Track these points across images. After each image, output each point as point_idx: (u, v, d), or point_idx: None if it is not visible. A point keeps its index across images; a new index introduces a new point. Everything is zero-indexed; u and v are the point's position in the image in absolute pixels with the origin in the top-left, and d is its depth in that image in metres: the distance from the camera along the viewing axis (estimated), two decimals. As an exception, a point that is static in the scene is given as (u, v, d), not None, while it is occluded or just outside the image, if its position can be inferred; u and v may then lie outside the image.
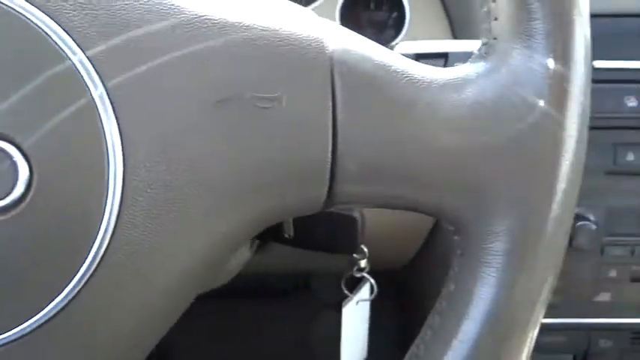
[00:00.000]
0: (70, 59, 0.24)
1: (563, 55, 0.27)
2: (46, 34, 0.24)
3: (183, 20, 0.26)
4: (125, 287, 0.25)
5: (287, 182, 0.27)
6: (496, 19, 0.28)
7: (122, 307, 0.26)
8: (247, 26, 0.27)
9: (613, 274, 0.61)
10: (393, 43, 0.68)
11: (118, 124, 0.24)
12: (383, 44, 0.71)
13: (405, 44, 0.43)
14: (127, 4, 0.25)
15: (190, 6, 0.26)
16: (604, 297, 0.62)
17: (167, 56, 0.25)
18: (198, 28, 0.26)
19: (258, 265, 0.55)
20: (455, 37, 0.68)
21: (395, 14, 0.69)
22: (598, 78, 0.57)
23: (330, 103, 0.26)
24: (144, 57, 0.25)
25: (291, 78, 0.26)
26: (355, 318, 0.59)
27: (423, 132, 0.27)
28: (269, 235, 0.50)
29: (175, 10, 0.26)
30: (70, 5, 0.24)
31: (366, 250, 0.52)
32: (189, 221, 0.26)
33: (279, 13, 0.28)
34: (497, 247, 0.27)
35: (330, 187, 0.27)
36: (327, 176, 0.27)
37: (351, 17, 0.69)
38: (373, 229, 0.48)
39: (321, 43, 0.27)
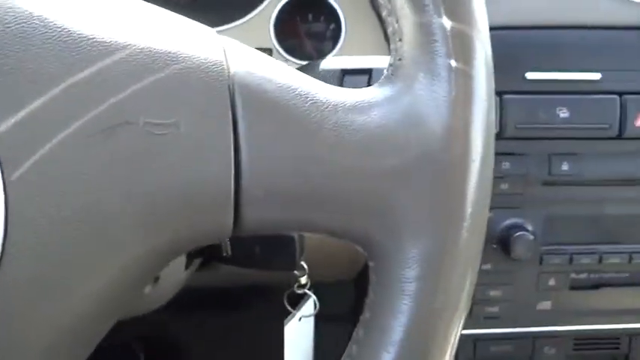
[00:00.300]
0: None
1: (464, 78, 0.28)
2: None
3: (68, 43, 0.25)
4: (17, 325, 0.25)
5: (189, 210, 0.26)
6: (400, 40, 0.28)
7: (18, 346, 0.25)
8: (141, 48, 0.26)
9: (552, 282, 0.63)
10: (330, 56, 0.69)
11: None
12: (321, 55, 0.72)
13: (330, 60, 0.44)
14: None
15: (77, 26, 0.25)
16: (545, 305, 0.65)
17: (46, 79, 0.24)
18: (85, 49, 0.25)
19: (230, 276, 0.55)
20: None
21: (332, 26, 0.71)
22: (531, 89, 0.60)
23: (231, 128, 0.26)
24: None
25: (189, 102, 0.26)
26: (298, 335, 0.59)
27: (329, 155, 0.27)
28: (208, 254, 0.50)
29: (62, 32, 0.25)
30: None
31: (306, 266, 0.53)
32: (84, 257, 0.25)
33: (176, 33, 0.28)
34: (409, 275, 0.28)
35: (237, 214, 0.27)
36: (232, 203, 0.27)
37: (287, 29, 0.70)
38: (319, 240, 0.49)
39: (221, 65, 0.27)
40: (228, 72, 0.27)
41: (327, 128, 0.27)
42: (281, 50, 0.68)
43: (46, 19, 0.25)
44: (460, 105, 0.27)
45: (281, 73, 0.28)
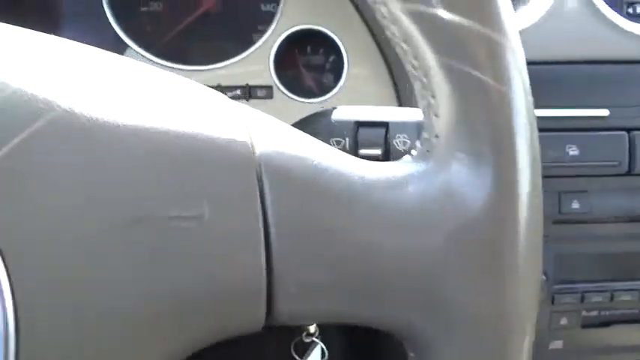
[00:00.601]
0: None
1: (508, 160, 0.26)
2: None
3: (73, 127, 0.23)
4: None
5: (219, 306, 0.25)
6: (437, 115, 0.27)
7: None
8: (158, 131, 0.24)
9: (564, 321, 0.64)
10: (333, 92, 0.69)
11: (3, 260, 0.21)
12: (323, 89, 0.71)
13: (342, 110, 0.43)
14: None
15: (84, 108, 0.23)
16: (557, 345, 0.65)
17: (54, 172, 0.23)
18: (95, 134, 0.23)
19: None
20: (394, 79, 0.71)
21: (332, 58, 0.71)
22: (540, 127, 0.60)
23: (261, 215, 0.25)
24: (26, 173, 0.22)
25: (214, 191, 0.24)
26: (306, 384, 0.59)
27: (366, 239, 0.26)
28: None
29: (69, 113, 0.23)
30: None
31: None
32: (106, 357, 0.24)
33: (193, 107, 0.26)
34: None
35: (269, 308, 0.26)
36: (264, 297, 0.25)
37: (286, 64, 0.70)
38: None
39: (246, 146, 0.25)
40: (254, 153, 0.25)
41: (363, 210, 0.26)
42: (282, 87, 0.69)
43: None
44: (506, 188, 0.26)
45: (309, 150, 0.27)
